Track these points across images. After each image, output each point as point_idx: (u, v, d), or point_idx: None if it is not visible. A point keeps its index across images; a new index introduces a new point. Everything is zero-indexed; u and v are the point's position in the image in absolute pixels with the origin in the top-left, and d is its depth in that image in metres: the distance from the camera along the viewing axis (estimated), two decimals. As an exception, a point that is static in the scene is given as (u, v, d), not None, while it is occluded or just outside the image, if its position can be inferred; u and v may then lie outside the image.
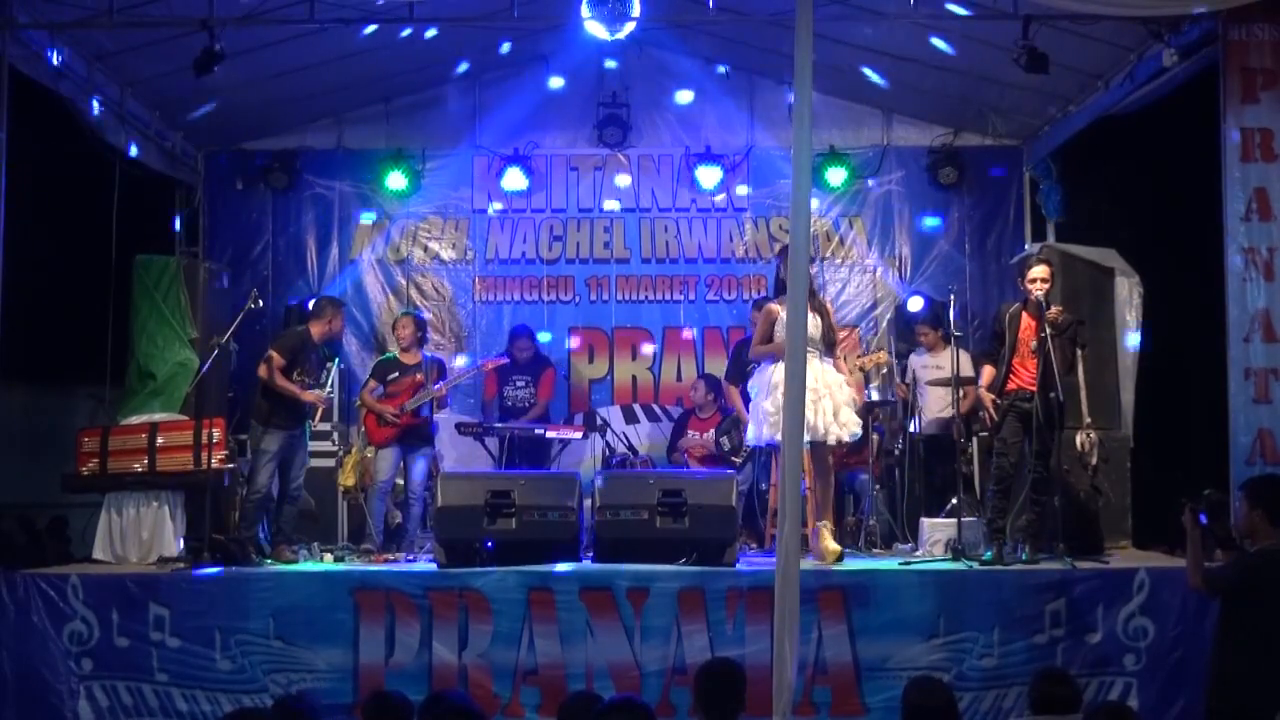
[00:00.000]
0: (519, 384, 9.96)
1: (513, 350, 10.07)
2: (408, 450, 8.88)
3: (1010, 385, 7.83)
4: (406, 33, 9.05)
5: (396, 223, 11.05)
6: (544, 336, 10.68)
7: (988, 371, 8.03)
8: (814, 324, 7.34)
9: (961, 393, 8.40)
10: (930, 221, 11.01)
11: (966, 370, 8.62)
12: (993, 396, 7.89)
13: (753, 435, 7.89)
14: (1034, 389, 7.68)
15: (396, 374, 8.98)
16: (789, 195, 8.08)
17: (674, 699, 6.84)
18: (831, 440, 7.62)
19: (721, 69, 10.87)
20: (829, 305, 8.03)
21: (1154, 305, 9.17)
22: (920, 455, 9.26)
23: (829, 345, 7.76)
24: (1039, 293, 7.73)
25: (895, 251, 11.03)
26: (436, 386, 8.95)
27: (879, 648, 7.01)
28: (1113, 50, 8.63)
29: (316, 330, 8.65)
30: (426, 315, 10.12)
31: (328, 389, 8.73)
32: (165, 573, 7.46)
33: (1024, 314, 7.86)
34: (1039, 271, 7.82)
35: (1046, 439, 7.65)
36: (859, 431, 7.82)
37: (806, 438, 7.50)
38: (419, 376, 8.93)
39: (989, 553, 7.60)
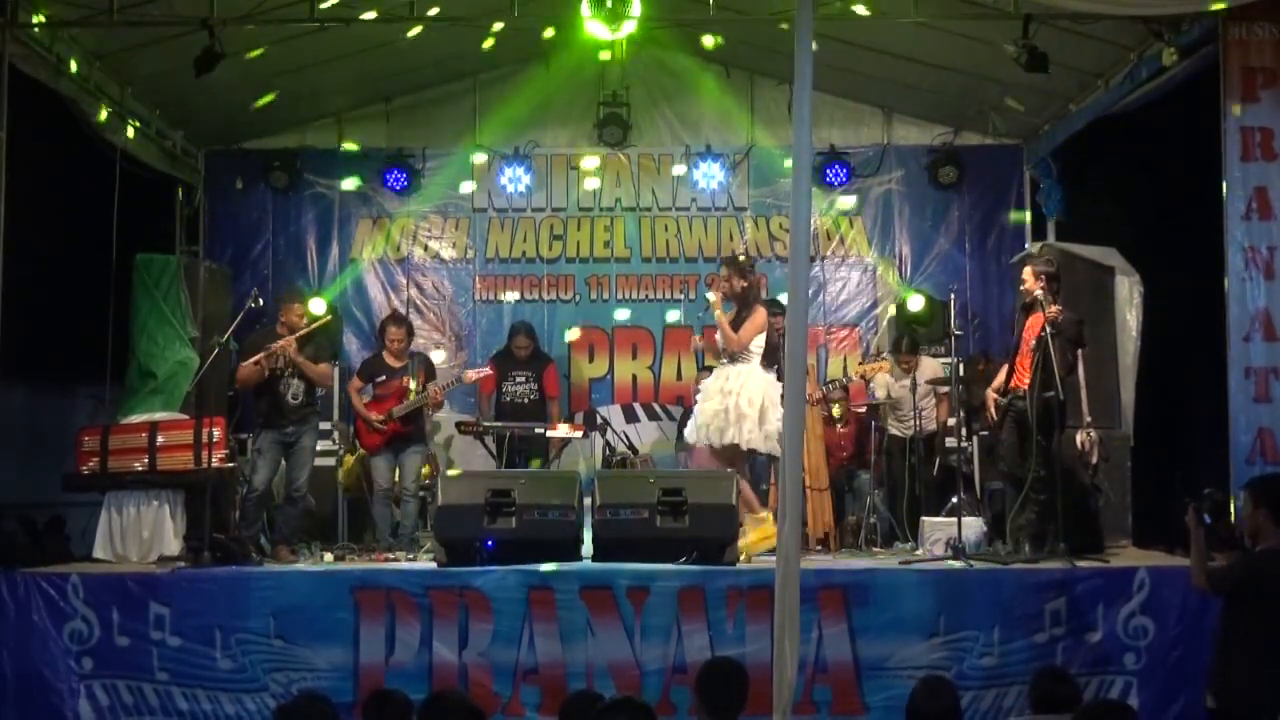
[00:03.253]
0: (519, 379, 9.94)
1: (511, 346, 10.06)
2: (399, 451, 8.87)
3: (1012, 383, 7.86)
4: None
5: (397, 222, 11.07)
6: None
7: (1004, 371, 8.10)
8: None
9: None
10: (930, 222, 11.04)
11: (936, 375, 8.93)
12: (995, 395, 7.91)
13: (688, 433, 8.11)
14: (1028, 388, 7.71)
15: (384, 376, 8.97)
16: (789, 194, 8.10)
17: (674, 698, 6.83)
18: (743, 444, 7.78)
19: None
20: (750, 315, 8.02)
21: (1154, 304, 9.17)
22: (920, 455, 9.30)
23: (734, 351, 7.90)
24: (1028, 295, 7.78)
25: (895, 250, 11.03)
26: (430, 389, 8.89)
27: (879, 647, 7.00)
28: (1113, 49, 8.64)
29: (280, 325, 8.60)
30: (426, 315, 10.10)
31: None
32: (165, 572, 7.47)
33: (1028, 314, 7.90)
34: (1024, 273, 7.91)
35: (1045, 438, 7.65)
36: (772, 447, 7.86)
37: (720, 440, 7.78)
38: (406, 380, 8.89)
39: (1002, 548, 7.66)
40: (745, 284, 7.99)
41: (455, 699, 5.08)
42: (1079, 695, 5.21)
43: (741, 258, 8.33)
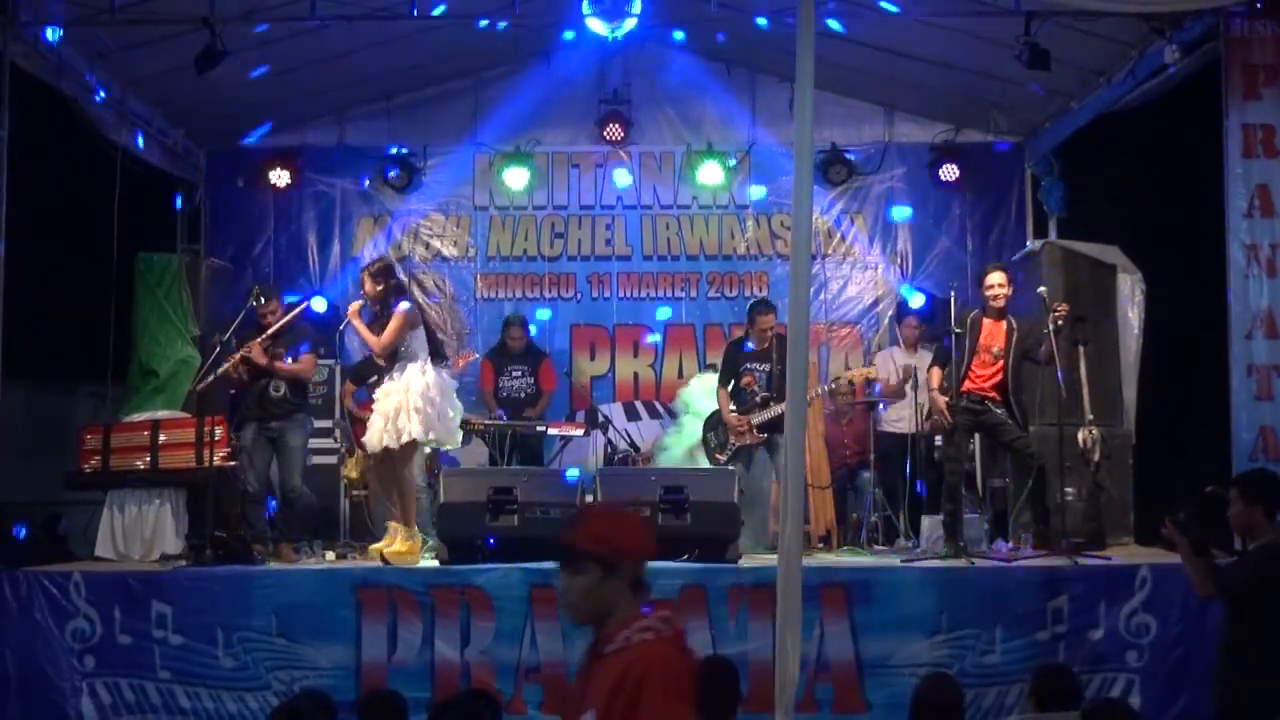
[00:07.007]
0: (515, 374, 9.92)
1: (506, 338, 10.06)
2: None
3: (964, 387, 7.99)
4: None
5: (398, 220, 11.07)
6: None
7: (936, 374, 8.22)
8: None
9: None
10: (931, 219, 11.04)
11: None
12: (946, 399, 8.02)
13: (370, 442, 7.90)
14: (988, 393, 7.94)
15: (375, 377, 8.84)
16: (790, 192, 8.11)
17: (676, 696, 6.82)
18: (420, 438, 7.73)
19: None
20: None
21: (1156, 301, 9.17)
22: (922, 454, 9.30)
23: (380, 354, 7.89)
24: (996, 302, 7.99)
25: (896, 248, 11.03)
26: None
27: (881, 645, 7.02)
28: (1114, 46, 8.62)
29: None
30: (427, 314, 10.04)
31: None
32: (167, 570, 7.47)
33: (984, 319, 8.05)
34: (993, 279, 8.09)
35: (1047, 434, 7.70)
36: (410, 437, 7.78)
37: (398, 441, 7.67)
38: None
39: (945, 549, 7.74)
40: (381, 288, 7.98)
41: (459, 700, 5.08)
42: (1081, 691, 5.20)
43: (377, 264, 8.34)
